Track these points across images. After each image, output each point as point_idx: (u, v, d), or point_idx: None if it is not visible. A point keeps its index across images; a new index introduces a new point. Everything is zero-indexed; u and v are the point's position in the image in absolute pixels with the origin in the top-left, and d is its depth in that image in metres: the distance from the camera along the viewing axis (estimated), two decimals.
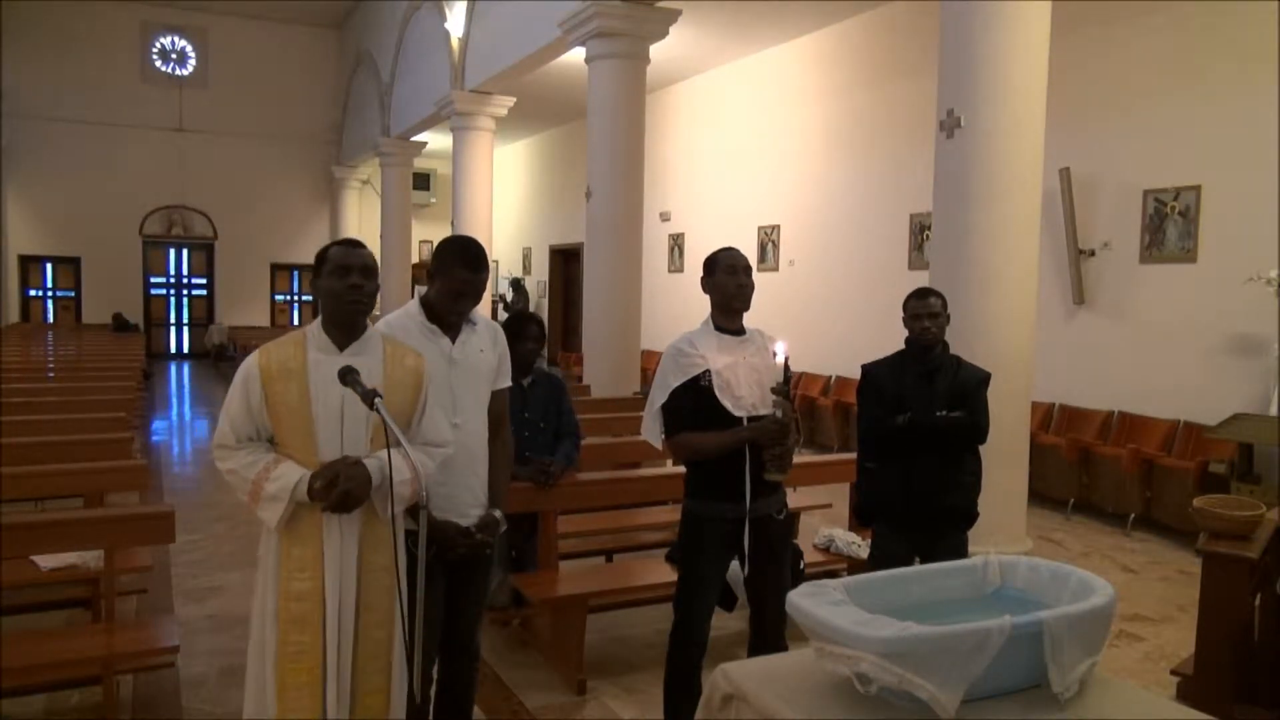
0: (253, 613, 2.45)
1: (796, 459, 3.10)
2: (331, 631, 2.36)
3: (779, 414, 2.85)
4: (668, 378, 2.99)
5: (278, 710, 2.34)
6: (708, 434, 2.94)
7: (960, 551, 3.47)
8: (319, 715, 2.35)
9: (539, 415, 4.28)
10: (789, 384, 2.89)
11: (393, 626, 2.48)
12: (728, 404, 2.92)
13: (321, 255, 2.47)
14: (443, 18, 13.09)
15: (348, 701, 2.38)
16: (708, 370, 2.94)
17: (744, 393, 2.94)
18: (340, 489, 2.29)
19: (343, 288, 2.39)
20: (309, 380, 2.37)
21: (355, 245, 2.49)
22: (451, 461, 2.70)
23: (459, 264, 2.67)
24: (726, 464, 2.94)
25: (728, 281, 3.00)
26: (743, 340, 3.03)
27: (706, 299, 3.09)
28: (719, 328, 3.03)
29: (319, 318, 2.49)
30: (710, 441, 2.95)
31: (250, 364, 2.41)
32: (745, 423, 2.92)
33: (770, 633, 3.09)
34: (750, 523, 2.98)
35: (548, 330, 17.89)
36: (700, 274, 3.12)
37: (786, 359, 2.91)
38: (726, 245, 3.18)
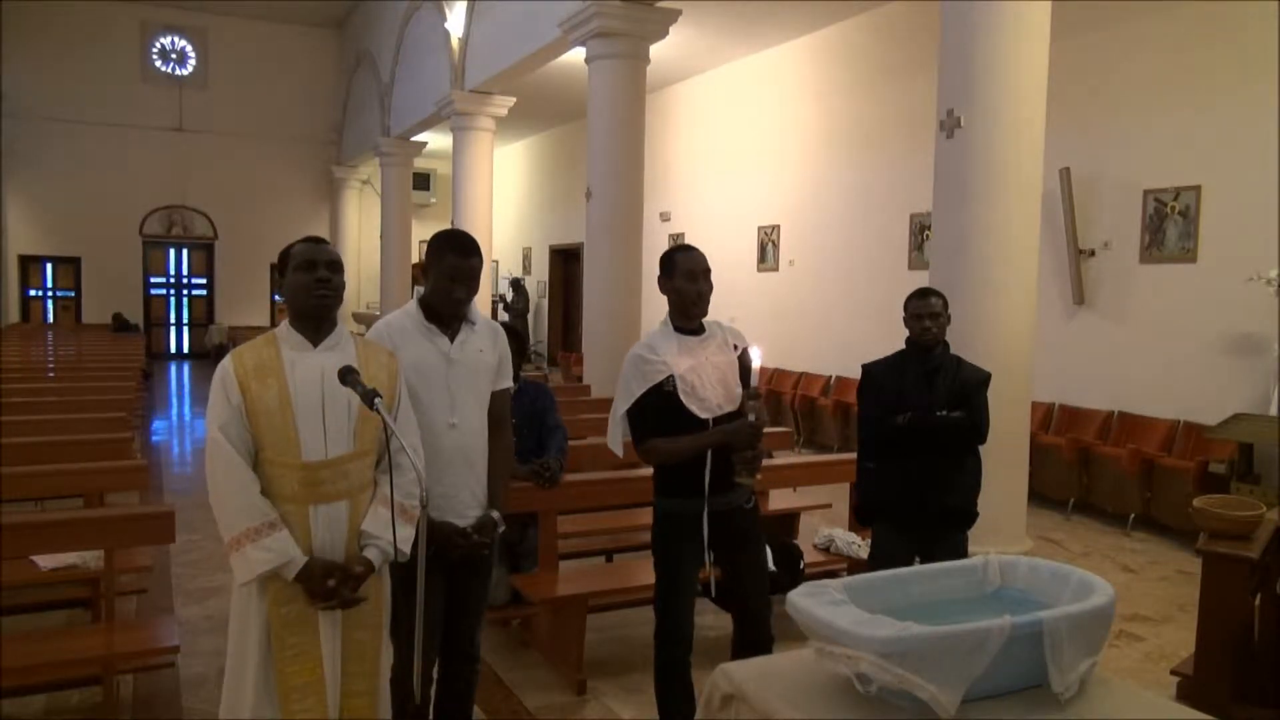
0: (231, 615, 2.43)
1: (796, 459, 3.10)
2: (325, 631, 2.36)
3: (752, 417, 2.81)
4: (630, 385, 2.94)
5: (283, 712, 2.33)
6: (679, 439, 2.90)
7: (960, 551, 3.47)
8: (324, 715, 2.35)
9: (523, 421, 4.27)
10: (749, 380, 2.87)
11: (379, 630, 2.48)
12: (694, 408, 2.88)
13: (285, 253, 2.44)
14: (443, 18, 13.09)
15: (338, 703, 2.38)
16: (671, 375, 2.89)
17: (709, 394, 2.91)
18: (341, 598, 2.33)
19: (310, 281, 2.38)
20: (287, 379, 2.35)
21: (320, 241, 2.48)
22: (450, 461, 2.70)
23: (449, 250, 2.68)
24: (688, 461, 2.92)
25: (687, 288, 2.93)
26: (703, 339, 2.98)
27: None
28: (678, 328, 2.99)
29: (286, 319, 2.48)
30: (683, 446, 2.91)
31: (225, 368, 2.36)
32: (711, 424, 2.90)
33: (753, 620, 3.07)
34: (715, 515, 2.95)
35: (545, 335, 17.98)
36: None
37: (746, 354, 2.90)
38: (684, 245, 3.09)
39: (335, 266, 2.42)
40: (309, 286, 2.38)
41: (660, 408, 2.89)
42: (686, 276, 2.92)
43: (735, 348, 2.98)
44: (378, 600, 2.46)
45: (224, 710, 2.41)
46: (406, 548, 2.39)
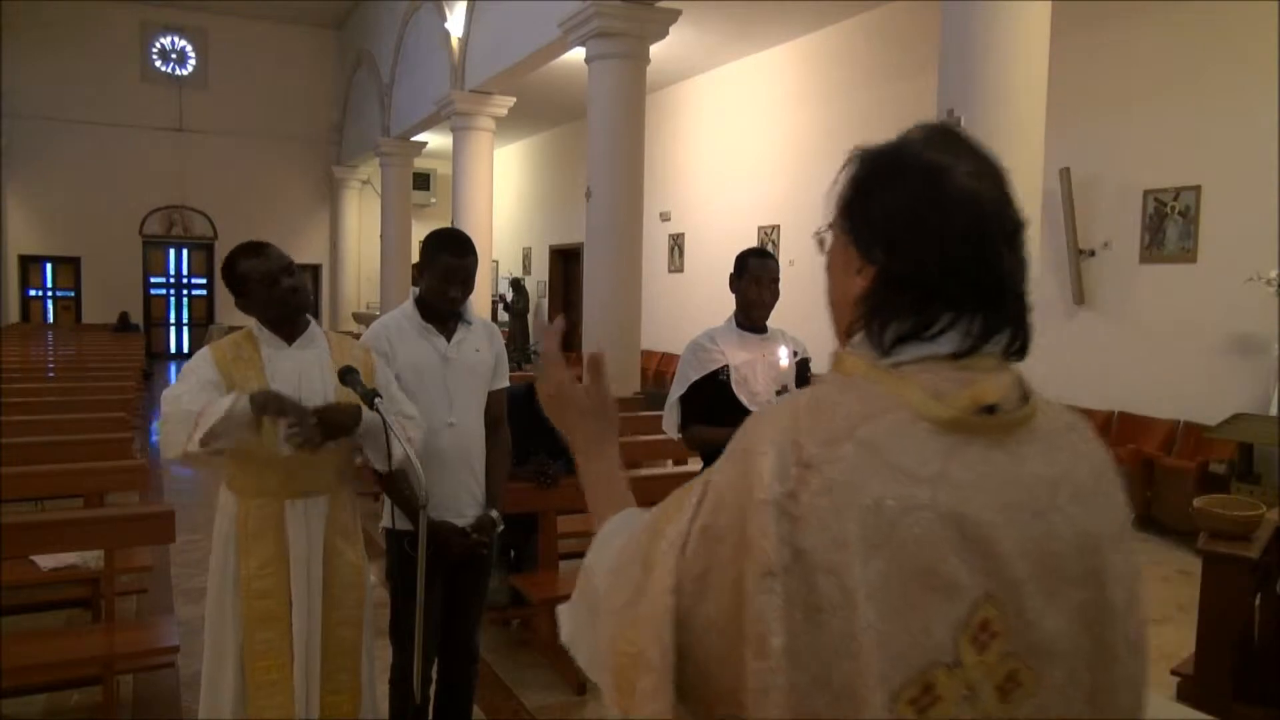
0: (208, 609, 2.41)
1: None
2: (299, 628, 2.34)
3: None
4: (687, 371, 3.10)
5: (250, 710, 2.32)
6: (718, 429, 3.02)
7: None
8: (291, 714, 2.33)
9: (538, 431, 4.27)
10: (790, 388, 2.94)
11: (361, 627, 2.47)
12: (743, 398, 3.03)
13: (236, 273, 2.39)
14: (443, 18, 13.09)
15: (316, 702, 2.36)
16: (726, 365, 3.04)
17: (760, 389, 3.03)
18: (316, 420, 2.22)
19: (280, 293, 2.39)
20: (266, 373, 2.37)
21: (262, 248, 2.44)
22: (448, 461, 2.70)
23: (444, 250, 2.70)
24: None
25: (749, 291, 3.09)
26: (764, 338, 3.12)
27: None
28: (741, 325, 3.14)
29: (256, 322, 2.47)
30: (720, 435, 2.98)
31: (204, 355, 2.37)
32: None
33: None
34: None
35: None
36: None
37: (795, 362, 3.00)
38: (760, 250, 3.23)
39: (292, 269, 2.43)
40: (282, 298, 2.39)
41: (712, 396, 3.04)
42: (753, 280, 3.09)
43: (795, 354, 3.09)
44: (359, 597, 2.46)
45: (203, 710, 2.40)
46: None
